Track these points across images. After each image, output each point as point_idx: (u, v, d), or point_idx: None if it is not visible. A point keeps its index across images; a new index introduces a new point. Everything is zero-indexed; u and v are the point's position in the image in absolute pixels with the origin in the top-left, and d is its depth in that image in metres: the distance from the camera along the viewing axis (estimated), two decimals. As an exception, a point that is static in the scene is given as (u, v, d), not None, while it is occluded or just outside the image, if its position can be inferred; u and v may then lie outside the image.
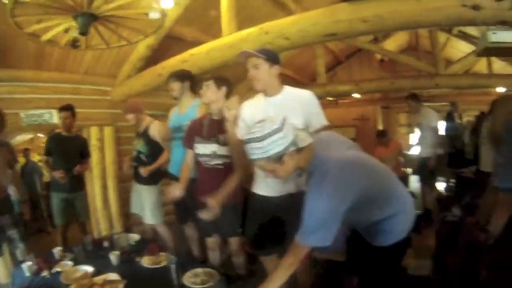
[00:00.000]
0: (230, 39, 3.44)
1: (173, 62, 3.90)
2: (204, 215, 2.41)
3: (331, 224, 1.59)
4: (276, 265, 2.28)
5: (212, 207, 2.35)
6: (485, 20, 2.46)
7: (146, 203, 3.58)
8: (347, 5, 2.81)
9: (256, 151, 1.60)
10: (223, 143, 2.64)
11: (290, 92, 2.34)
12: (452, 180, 6.64)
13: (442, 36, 7.70)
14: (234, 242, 2.84)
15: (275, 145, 1.57)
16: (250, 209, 2.55)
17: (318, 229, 1.59)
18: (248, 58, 2.25)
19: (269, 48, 2.45)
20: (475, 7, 2.35)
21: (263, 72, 2.22)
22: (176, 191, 2.69)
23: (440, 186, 6.59)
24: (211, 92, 2.67)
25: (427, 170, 5.03)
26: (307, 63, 7.84)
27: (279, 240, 2.35)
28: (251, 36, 3.25)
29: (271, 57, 2.25)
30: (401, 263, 2.01)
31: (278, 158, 1.60)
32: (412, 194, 5.03)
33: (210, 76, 2.74)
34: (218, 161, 2.69)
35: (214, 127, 2.68)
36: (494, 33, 2.91)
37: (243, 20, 3.75)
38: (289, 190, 2.29)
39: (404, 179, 5.97)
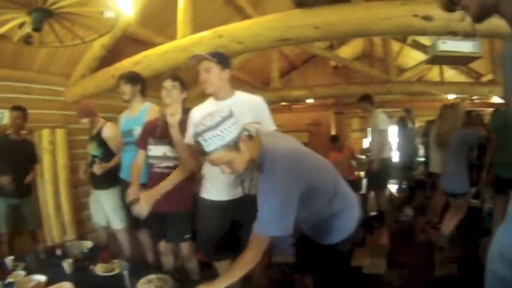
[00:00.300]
0: (184, 42, 3.44)
1: (127, 64, 3.84)
2: (135, 210, 2.40)
3: (286, 213, 1.62)
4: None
5: (141, 205, 2.35)
6: (435, 30, 2.61)
7: (108, 209, 3.48)
8: (300, 11, 2.89)
9: (212, 140, 1.55)
10: None
11: (240, 96, 2.36)
12: (404, 182, 6.95)
13: (396, 45, 8.10)
14: (185, 247, 2.81)
15: (230, 130, 1.56)
16: (199, 214, 2.55)
17: (275, 218, 1.61)
18: (199, 62, 2.24)
19: (221, 52, 2.45)
20: (426, 18, 2.49)
21: (214, 75, 2.23)
22: (132, 196, 2.67)
23: (393, 188, 6.87)
24: (176, 93, 2.65)
25: (372, 173, 5.15)
26: (262, 68, 7.91)
27: (229, 244, 2.39)
28: (205, 39, 3.27)
29: (223, 60, 2.26)
30: (351, 260, 2.08)
31: (234, 145, 1.58)
32: (364, 196, 5.25)
33: (172, 77, 2.70)
34: (169, 163, 2.67)
35: (167, 129, 2.64)
36: (443, 42, 3.08)
37: (201, 23, 3.75)
38: (237, 194, 2.30)
39: (358, 182, 6.17)
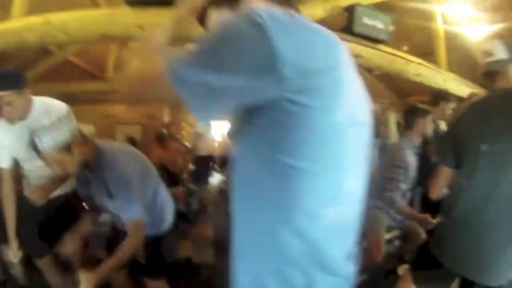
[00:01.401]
0: (14, 25, 3.08)
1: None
2: None
3: (140, 193, 1.81)
4: (49, 266, 2.35)
5: None
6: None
7: None
8: (128, 10, 2.90)
9: (46, 139, 1.58)
10: None
11: (40, 108, 2.20)
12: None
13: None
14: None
15: (64, 132, 1.61)
16: (21, 212, 2.35)
17: (136, 200, 1.76)
18: None
19: (12, 70, 2.27)
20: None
21: (17, 104, 2.06)
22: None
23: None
24: None
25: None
26: (101, 55, 7.44)
27: (50, 241, 2.31)
28: (34, 25, 2.99)
29: (20, 84, 2.09)
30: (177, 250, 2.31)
31: (67, 147, 1.62)
32: (188, 191, 5.46)
33: None
34: None
35: None
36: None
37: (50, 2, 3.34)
38: (56, 193, 2.27)
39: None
